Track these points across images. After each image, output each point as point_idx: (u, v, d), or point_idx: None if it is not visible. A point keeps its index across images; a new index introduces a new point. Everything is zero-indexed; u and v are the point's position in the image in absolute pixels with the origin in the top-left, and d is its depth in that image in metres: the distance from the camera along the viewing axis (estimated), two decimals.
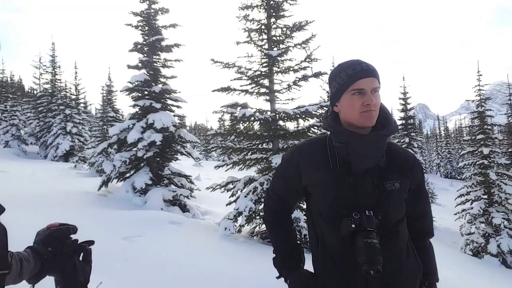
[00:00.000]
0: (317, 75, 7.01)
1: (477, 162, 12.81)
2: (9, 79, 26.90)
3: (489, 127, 13.37)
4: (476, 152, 13.06)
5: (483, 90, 13.73)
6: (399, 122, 19.71)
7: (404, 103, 19.32)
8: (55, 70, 22.02)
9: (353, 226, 1.21)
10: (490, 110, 13.65)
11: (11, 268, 0.88)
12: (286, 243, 1.49)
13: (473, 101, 13.84)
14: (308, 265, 1.45)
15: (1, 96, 21.79)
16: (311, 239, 1.43)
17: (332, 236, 1.31)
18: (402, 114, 19.43)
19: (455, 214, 13.92)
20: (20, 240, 1.11)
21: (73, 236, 1.10)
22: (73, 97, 22.49)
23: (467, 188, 13.34)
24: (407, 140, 18.26)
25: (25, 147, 21.09)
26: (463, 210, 13.50)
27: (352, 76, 1.27)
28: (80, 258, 1.09)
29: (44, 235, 1.06)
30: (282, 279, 1.45)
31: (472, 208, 12.76)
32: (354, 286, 1.27)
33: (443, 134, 46.36)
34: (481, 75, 13.69)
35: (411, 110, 19.62)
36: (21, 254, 0.99)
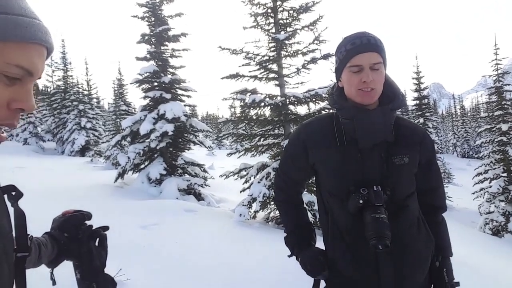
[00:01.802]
0: (326, 57, 6.88)
1: (496, 140, 12.48)
2: None
3: (507, 102, 12.97)
4: (494, 129, 12.72)
5: (501, 64, 13.27)
6: (412, 103, 19.30)
7: (417, 82, 18.86)
8: (66, 66, 22.30)
9: (361, 202, 1.20)
10: (509, 85, 13.22)
11: (31, 251, 0.91)
12: (296, 222, 1.49)
13: (490, 76, 13.40)
14: (320, 245, 1.45)
15: None
16: (321, 216, 1.42)
17: (340, 213, 1.30)
18: (416, 94, 18.98)
19: (473, 193, 13.68)
20: (41, 232, 1.14)
21: (88, 223, 1.12)
22: (86, 92, 22.76)
23: (485, 166, 13.06)
24: (421, 120, 17.90)
25: (42, 143, 21.59)
26: (481, 189, 13.24)
27: (350, 52, 1.23)
28: (96, 244, 1.11)
29: (60, 221, 1.09)
30: (294, 257, 1.45)
31: (491, 186, 12.50)
32: (364, 261, 1.26)
33: (459, 113, 45.23)
34: (498, 48, 13.24)
35: (425, 89, 19.16)
36: (39, 239, 1.03)
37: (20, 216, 0.85)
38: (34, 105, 0.72)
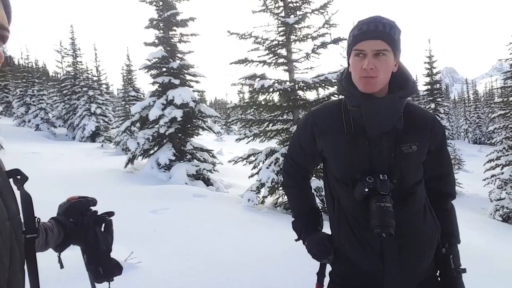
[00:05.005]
0: (336, 41, 6.77)
1: (509, 125, 12.25)
2: (34, 64, 27.61)
3: None
4: (509, 114, 12.46)
5: None
6: (424, 88, 18.91)
7: (429, 67, 18.41)
8: (76, 52, 22.34)
9: (367, 190, 1.20)
10: None
11: (39, 233, 0.93)
12: (304, 207, 1.51)
13: (506, 60, 13.05)
14: (327, 230, 1.46)
15: (28, 81, 22.53)
16: (327, 202, 1.43)
17: (347, 200, 1.31)
18: (428, 79, 18.55)
19: (484, 180, 13.52)
20: (51, 216, 1.16)
21: (97, 208, 1.14)
22: (95, 78, 22.88)
23: (498, 152, 12.85)
24: (433, 106, 17.56)
25: (54, 129, 21.89)
26: (492, 176, 13.08)
27: (355, 37, 1.21)
28: (102, 229, 1.13)
29: (65, 207, 1.11)
30: (301, 241, 1.47)
31: (502, 173, 12.33)
32: (369, 247, 1.27)
33: (471, 98, 44.29)
34: None
35: (437, 74, 18.72)
36: (45, 224, 1.05)
37: (27, 199, 0.87)
38: None
